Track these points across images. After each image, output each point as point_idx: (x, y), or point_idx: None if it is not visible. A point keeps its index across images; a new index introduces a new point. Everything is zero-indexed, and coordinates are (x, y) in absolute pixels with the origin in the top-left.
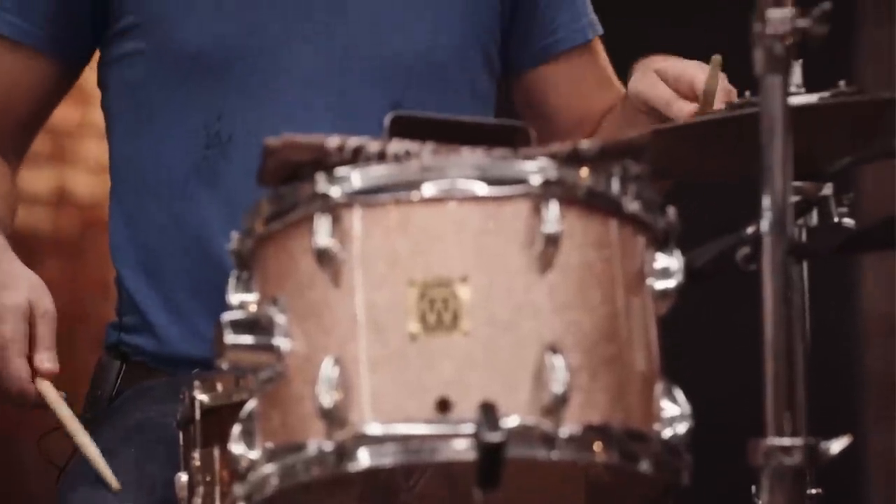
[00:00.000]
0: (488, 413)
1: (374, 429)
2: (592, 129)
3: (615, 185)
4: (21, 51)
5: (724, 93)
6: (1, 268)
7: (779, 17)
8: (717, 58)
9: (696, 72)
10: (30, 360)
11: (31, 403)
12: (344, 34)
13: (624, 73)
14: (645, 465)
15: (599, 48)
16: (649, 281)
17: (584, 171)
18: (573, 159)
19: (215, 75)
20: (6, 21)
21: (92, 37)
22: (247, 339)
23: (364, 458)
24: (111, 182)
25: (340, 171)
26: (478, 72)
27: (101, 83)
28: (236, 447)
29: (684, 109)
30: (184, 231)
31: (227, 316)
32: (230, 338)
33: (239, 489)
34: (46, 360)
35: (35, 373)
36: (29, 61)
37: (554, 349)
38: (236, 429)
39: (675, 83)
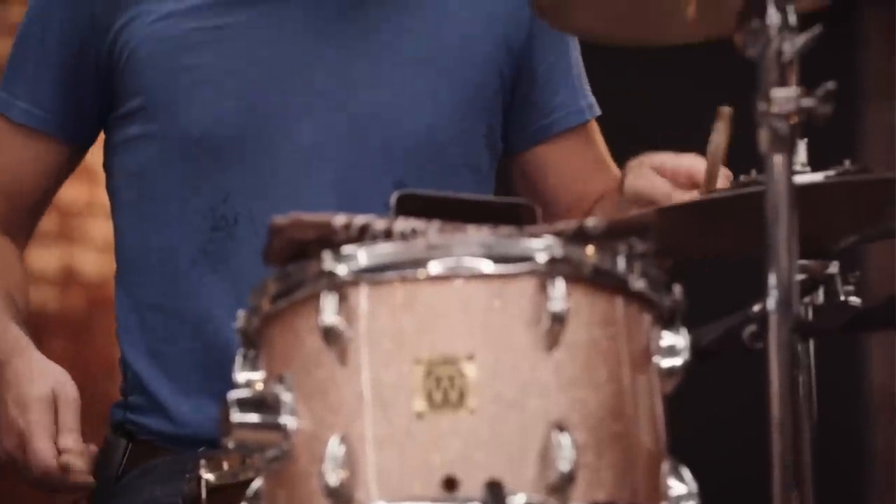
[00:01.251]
0: (495, 492)
1: None
2: (586, 212)
3: (621, 263)
4: (28, 134)
5: (728, 181)
6: (26, 362)
7: (783, 97)
8: (726, 110)
9: (693, 162)
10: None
11: (56, 485)
12: (346, 114)
13: (623, 155)
14: None
15: (596, 131)
16: (655, 359)
17: (590, 249)
18: (579, 237)
19: (220, 157)
20: (14, 106)
21: (98, 119)
22: (253, 418)
23: None
24: (117, 263)
25: (347, 249)
26: (479, 151)
27: (107, 166)
28: None
29: (686, 198)
30: (190, 312)
31: (234, 394)
32: (236, 416)
33: None
34: (71, 440)
35: (59, 452)
36: (37, 144)
37: (560, 427)
38: None
39: (674, 175)
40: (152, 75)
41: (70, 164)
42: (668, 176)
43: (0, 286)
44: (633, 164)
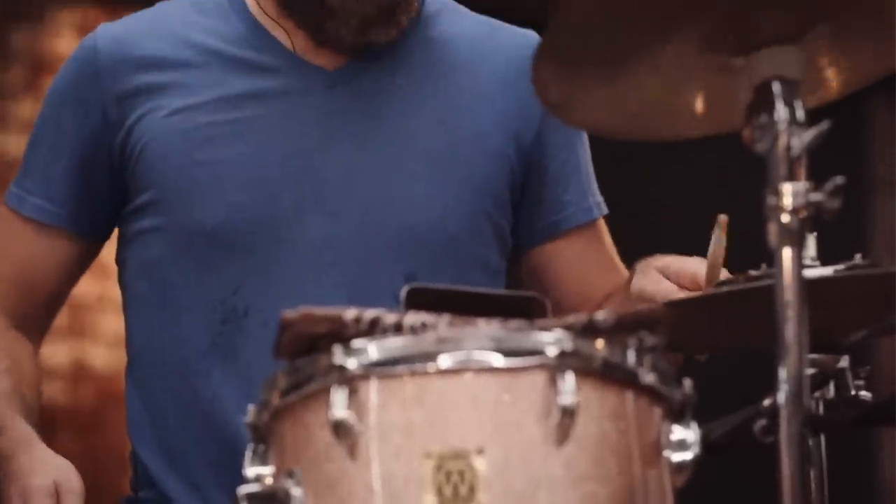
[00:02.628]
0: None
1: None
2: (593, 310)
3: (631, 357)
4: (44, 231)
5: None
6: (30, 455)
7: (792, 191)
8: (722, 218)
9: (697, 265)
10: None
11: None
12: (357, 207)
13: (630, 251)
14: None
15: (604, 229)
16: (666, 453)
17: (600, 343)
18: (589, 331)
19: (231, 250)
20: (29, 202)
21: (111, 214)
22: None
23: None
24: (127, 357)
25: (357, 343)
26: (490, 246)
27: (119, 260)
28: None
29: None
30: (200, 406)
31: (244, 489)
32: None
33: None
34: None
35: None
36: (52, 241)
37: None
38: None
39: (678, 278)
40: (165, 169)
41: (84, 259)
42: (672, 278)
43: (9, 381)
44: (640, 265)
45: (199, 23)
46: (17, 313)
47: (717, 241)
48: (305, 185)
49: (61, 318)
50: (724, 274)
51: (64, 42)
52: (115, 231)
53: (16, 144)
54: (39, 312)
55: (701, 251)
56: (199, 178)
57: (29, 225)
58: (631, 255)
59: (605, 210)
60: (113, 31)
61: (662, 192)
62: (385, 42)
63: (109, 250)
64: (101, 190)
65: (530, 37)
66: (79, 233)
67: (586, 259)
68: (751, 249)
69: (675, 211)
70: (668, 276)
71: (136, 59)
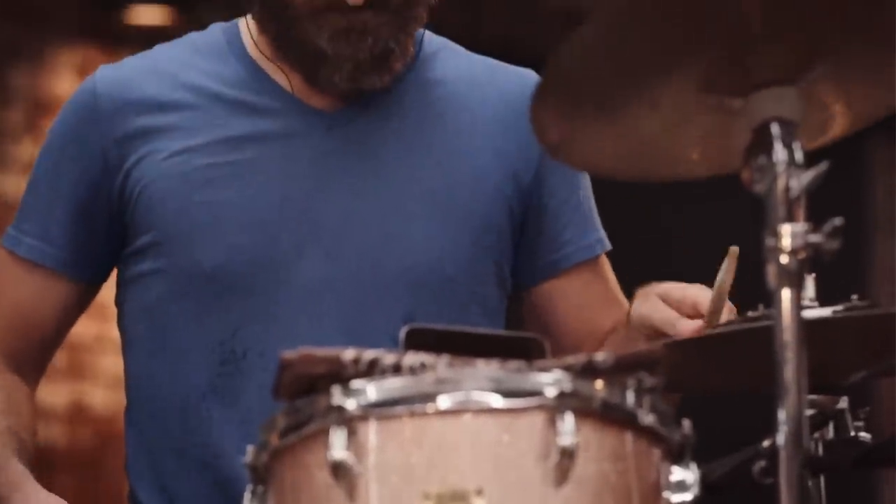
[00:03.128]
0: None
1: None
2: (596, 346)
3: (630, 398)
4: (41, 273)
5: (732, 313)
6: (25, 496)
7: (791, 232)
8: (734, 249)
9: (698, 292)
10: None
11: None
12: (356, 248)
13: (633, 288)
14: None
15: (607, 265)
16: (665, 494)
17: (599, 384)
18: (588, 371)
19: (230, 291)
20: (26, 244)
21: (109, 256)
22: None
23: None
24: (126, 399)
25: (356, 383)
26: (489, 285)
27: (118, 302)
28: None
29: (689, 327)
30: (199, 447)
31: None
32: None
33: None
34: None
35: None
36: (49, 283)
37: None
38: None
39: (679, 304)
40: (164, 212)
41: (82, 301)
42: (673, 305)
43: (5, 422)
44: (641, 291)
45: (198, 65)
46: (14, 354)
47: (727, 271)
48: (304, 226)
49: (60, 359)
50: (727, 306)
51: (64, 83)
52: (114, 272)
53: (15, 185)
54: (36, 354)
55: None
56: (197, 220)
57: (26, 266)
58: (633, 290)
59: (608, 246)
60: (112, 74)
61: (660, 231)
62: (379, 88)
63: (109, 291)
64: (100, 232)
65: (528, 76)
66: (76, 275)
67: (588, 296)
68: (748, 290)
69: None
70: (669, 303)
71: (136, 101)
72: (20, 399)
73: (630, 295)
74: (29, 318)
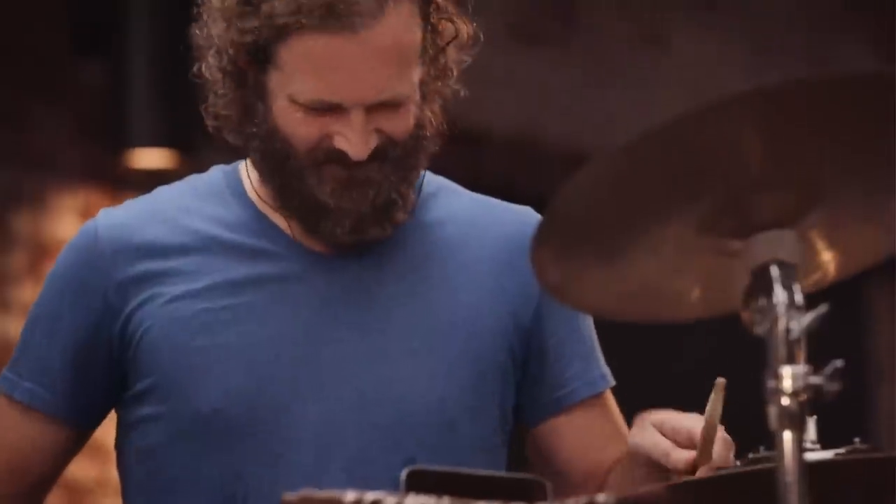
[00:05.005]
0: None
1: None
2: (600, 483)
3: None
4: (37, 417)
5: (725, 443)
6: None
7: (792, 374)
8: (720, 381)
9: (693, 423)
10: None
11: None
12: (356, 391)
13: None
14: None
15: (611, 400)
16: None
17: None
18: None
19: (231, 436)
20: (22, 387)
21: (106, 400)
22: None
23: None
24: None
25: None
26: (490, 426)
27: (118, 445)
28: None
29: (682, 457)
30: None
31: None
32: None
33: None
34: None
35: None
36: (45, 427)
37: None
38: None
39: (674, 434)
40: (163, 356)
41: (77, 445)
42: (668, 434)
43: None
44: (638, 420)
45: (199, 208)
46: (7, 497)
47: (715, 402)
48: (304, 369)
49: (61, 501)
50: (723, 437)
51: (66, 226)
52: (113, 414)
53: (16, 328)
54: (31, 494)
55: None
56: (197, 365)
57: (22, 411)
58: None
59: (612, 381)
60: (113, 218)
61: (665, 369)
62: (381, 238)
63: (109, 431)
64: (98, 377)
65: (528, 216)
66: (73, 421)
67: (593, 433)
68: (749, 432)
69: (678, 387)
70: (665, 433)
71: (136, 245)
72: None
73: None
74: (23, 461)
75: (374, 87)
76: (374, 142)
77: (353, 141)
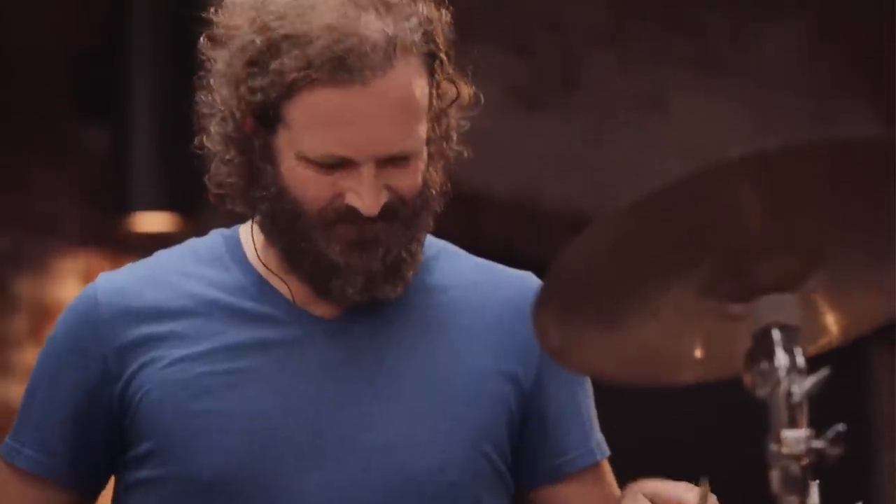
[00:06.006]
0: None
1: None
2: None
3: None
4: (38, 483)
5: None
6: None
7: (794, 438)
8: (705, 485)
9: (685, 492)
10: None
11: None
12: (357, 456)
13: None
14: None
15: (607, 468)
16: None
17: None
18: None
19: (231, 501)
20: (24, 455)
21: (107, 464)
22: None
23: None
24: None
25: None
26: (491, 491)
27: None
28: None
29: None
30: None
31: None
32: None
33: None
34: None
35: None
36: (46, 493)
37: None
38: None
39: None
40: (163, 420)
41: None
42: None
43: None
44: (629, 489)
45: (198, 272)
46: None
47: (700, 500)
48: (305, 434)
49: None
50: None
51: (68, 290)
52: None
53: (17, 392)
54: None
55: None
56: (197, 429)
57: (23, 477)
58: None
59: (607, 451)
60: (113, 282)
61: (662, 435)
62: (392, 298)
63: (106, 493)
64: (98, 441)
65: (529, 280)
66: (75, 485)
67: (589, 501)
68: (751, 498)
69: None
70: (656, 503)
71: (136, 309)
72: None
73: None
74: None
75: (384, 140)
76: (384, 198)
77: (365, 196)
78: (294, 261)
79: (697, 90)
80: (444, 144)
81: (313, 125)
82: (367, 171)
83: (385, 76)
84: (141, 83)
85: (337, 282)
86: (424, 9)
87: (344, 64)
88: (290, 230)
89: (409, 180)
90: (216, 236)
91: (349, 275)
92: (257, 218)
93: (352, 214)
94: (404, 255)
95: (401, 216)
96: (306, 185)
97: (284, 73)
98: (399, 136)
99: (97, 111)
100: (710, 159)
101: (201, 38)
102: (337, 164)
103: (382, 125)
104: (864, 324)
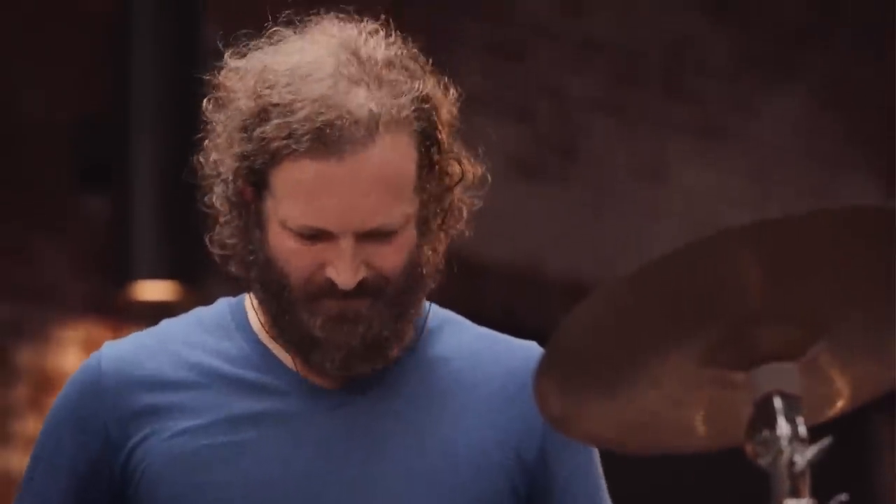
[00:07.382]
0: None
1: None
2: None
3: None
4: None
5: None
6: None
7: None
8: None
9: None
10: None
11: None
12: None
13: None
14: None
15: None
16: None
17: None
18: None
19: None
20: None
21: None
22: None
23: None
24: None
25: None
26: None
27: None
28: None
29: None
30: None
31: None
32: None
33: None
34: None
35: None
36: None
37: None
38: None
39: None
40: (165, 494)
41: None
42: None
43: None
44: None
45: (203, 342)
46: None
47: None
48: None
49: None
50: None
51: (69, 359)
52: None
53: (19, 462)
54: None
55: None
56: (198, 502)
57: None
58: None
59: None
60: (117, 352)
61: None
62: (371, 373)
63: None
64: (98, 501)
65: (531, 349)
66: None
67: None
68: None
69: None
70: None
71: (139, 379)
72: None
73: None
74: None
75: (360, 214)
76: (363, 273)
77: (341, 269)
78: (279, 330)
79: (698, 159)
80: (444, 224)
81: (293, 195)
82: (346, 244)
83: (364, 151)
84: (141, 151)
85: (316, 355)
86: (424, 86)
87: (323, 136)
88: (276, 300)
89: (392, 257)
90: (222, 305)
91: (328, 349)
92: (251, 285)
93: (333, 288)
94: (386, 333)
95: (386, 294)
96: (289, 256)
97: (267, 141)
98: (377, 212)
99: (98, 180)
100: (711, 228)
101: (205, 101)
102: (316, 236)
103: (358, 199)
104: (866, 392)
